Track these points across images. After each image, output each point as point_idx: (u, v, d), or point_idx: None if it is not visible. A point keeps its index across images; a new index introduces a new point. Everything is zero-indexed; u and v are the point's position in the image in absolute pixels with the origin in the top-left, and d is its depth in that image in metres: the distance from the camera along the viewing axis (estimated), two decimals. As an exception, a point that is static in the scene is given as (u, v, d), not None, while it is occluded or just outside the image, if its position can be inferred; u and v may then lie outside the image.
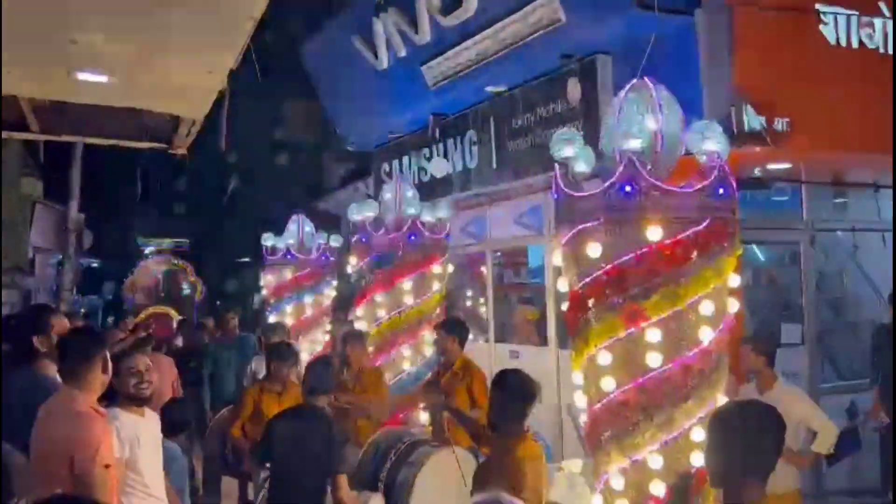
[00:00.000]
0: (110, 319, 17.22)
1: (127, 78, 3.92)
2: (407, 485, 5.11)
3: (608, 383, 3.79)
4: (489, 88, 8.67)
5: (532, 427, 3.89)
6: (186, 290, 14.28)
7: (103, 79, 3.86)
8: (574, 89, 7.41)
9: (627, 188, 3.71)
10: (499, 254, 10.09)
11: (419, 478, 5.10)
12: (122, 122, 4.87)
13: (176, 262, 15.03)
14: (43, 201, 13.16)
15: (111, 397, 3.69)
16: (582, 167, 3.98)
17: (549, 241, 8.19)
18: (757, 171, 7.08)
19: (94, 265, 21.45)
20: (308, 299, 8.79)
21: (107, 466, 3.14)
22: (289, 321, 8.68)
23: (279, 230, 9.17)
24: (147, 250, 17.97)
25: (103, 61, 3.64)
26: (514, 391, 3.83)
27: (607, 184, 3.76)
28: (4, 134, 4.95)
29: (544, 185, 8.03)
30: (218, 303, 23.57)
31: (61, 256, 13.09)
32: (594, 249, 3.77)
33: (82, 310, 14.98)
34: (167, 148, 5.33)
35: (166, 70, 3.78)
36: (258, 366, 7.19)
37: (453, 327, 6.03)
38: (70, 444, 3.10)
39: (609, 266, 3.74)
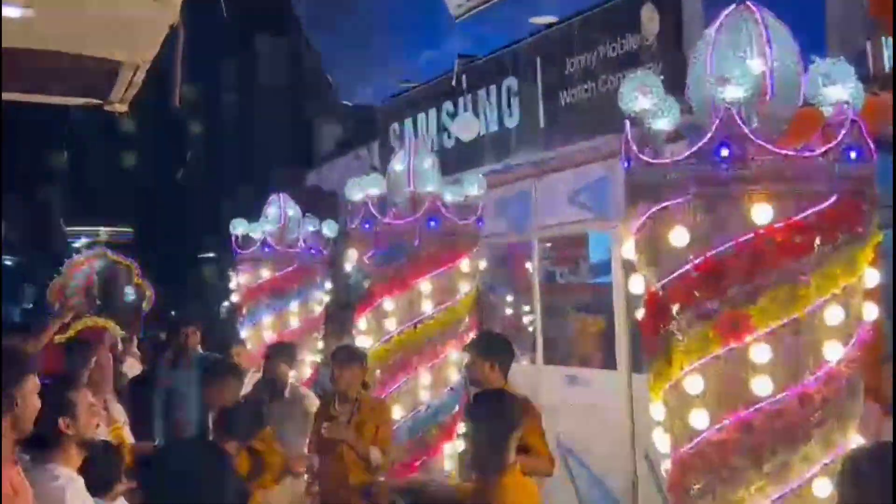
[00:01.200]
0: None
1: (47, 11, 3.95)
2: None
3: (700, 419, 3.79)
4: (535, 20, 8.63)
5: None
6: (130, 295, 14.37)
7: (16, 12, 3.89)
8: (650, 19, 7.37)
9: (724, 152, 3.70)
10: (548, 245, 10.07)
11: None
12: (45, 70, 4.91)
13: (116, 258, 15.13)
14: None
15: (37, 444, 3.71)
16: (662, 124, 3.96)
17: (617, 227, 8.15)
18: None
19: (8, 263, 21.76)
20: (293, 307, 8.85)
21: None
22: (267, 335, 8.75)
23: (253, 215, 9.23)
24: (77, 243, 18.22)
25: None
26: (493, 417, 4.10)
27: (697, 146, 3.74)
28: None
29: (611, 150, 7.97)
30: (172, 312, 23.83)
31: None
32: (680, 236, 3.76)
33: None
34: (102, 104, 5.36)
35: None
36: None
37: (491, 347, 5.96)
38: None
39: (700, 259, 3.73)
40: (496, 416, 4.13)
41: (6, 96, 5.32)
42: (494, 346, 5.96)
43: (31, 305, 21.31)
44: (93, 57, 4.76)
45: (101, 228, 17.05)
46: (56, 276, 15.05)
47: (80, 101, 5.36)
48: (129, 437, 5.92)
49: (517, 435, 4.13)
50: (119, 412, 6.13)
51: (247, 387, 7.71)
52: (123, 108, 5.43)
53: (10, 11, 3.89)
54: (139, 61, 4.76)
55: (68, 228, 18.93)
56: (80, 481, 3.73)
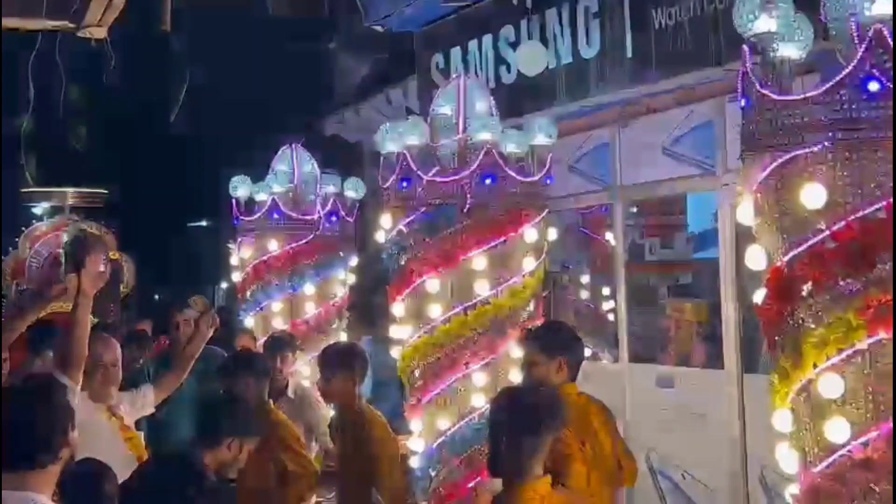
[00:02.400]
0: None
1: None
2: None
3: (839, 430, 3.78)
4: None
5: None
6: (105, 273, 14.55)
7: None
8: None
9: (873, 86, 3.67)
10: (635, 209, 10.09)
11: None
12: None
13: (87, 226, 15.28)
14: None
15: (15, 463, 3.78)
16: (791, 51, 3.95)
17: (728, 185, 8.11)
18: None
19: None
20: (309, 289, 8.94)
21: None
22: (277, 324, 8.81)
23: (259, 172, 9.28)
24: (38, 208, 18.38)
25: None
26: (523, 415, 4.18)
27: (837, 79, 3.72)
28: None
29: (718, 87, 7.95)
30: (157, 297, 24.01)
31: None
32: (814, 195, 3.76)
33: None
34: (76, 28, 5.39)
35: None
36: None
37: (558, 341, 5.95)
38: None
39: (840, 224, 3.73)
40: (523, 411, 4.18)
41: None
42: (561, 341, 5.95)
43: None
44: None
45: (69, 190, 17.11)
46: (11, 250, 15.26)
47: (50, 24, 5.40)
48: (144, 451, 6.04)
49: (548, 439, 4.15)
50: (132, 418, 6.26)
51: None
52: (101, 33, 5.46)
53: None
54: (119, -25, 4.77)
55: (26, 190, 19.00)
56: None
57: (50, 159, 17.99)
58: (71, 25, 5.35)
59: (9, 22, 5.39)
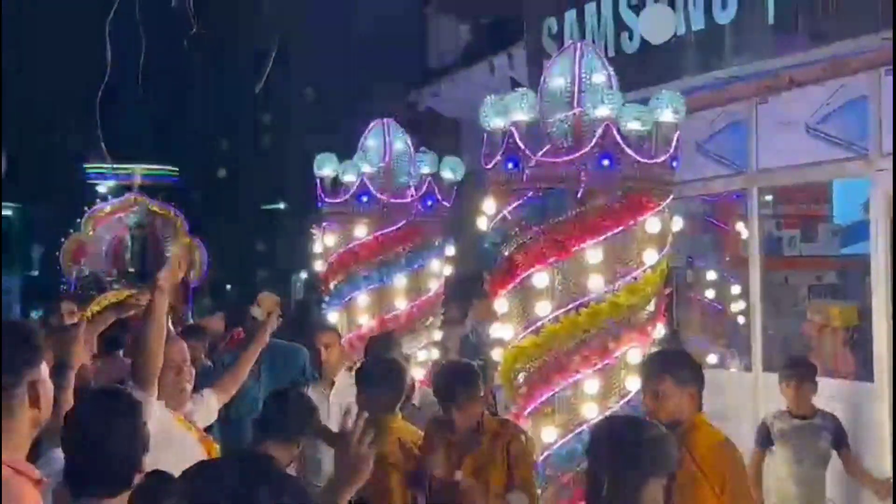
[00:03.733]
0: (34, 314, 17.88)
1: None
2: None
3: None
4: None
5: None
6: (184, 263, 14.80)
7: None
8: None
9: None
10: (772, 196, 10.07)
11: None
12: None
13: (156, 207, 15.54)
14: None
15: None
16: None
17: (879, 170, 8.11)
18: None
19: (8, 213, 22.54)
20: (400, 281, 8.98)
21: None
22: (364, 321, 8.85)
23: (346, 150, 9.34)
24: (103, 186, 18.72)
25: None
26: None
27: None
28: None
29: (873, 58, 7.90)
30: (228, 286, 24.28)
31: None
32: None
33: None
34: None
35: None
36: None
37: (689, 369, 5.88)
38: None
39: None
40: (626, 447, 4.11)
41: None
42: (692, 368, 5.91)
43: (36, 273, 22.08)
44: None
45: (137, 166, 17.35)
46: (73, 231, 15.56)
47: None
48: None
49: (657, 485, 4.08)
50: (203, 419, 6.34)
51: (342, 392, 7.89)
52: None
53: None
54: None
55: (90, 166, 19.37)
56: None
57: (117, 134, 18.33)
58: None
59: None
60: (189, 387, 5.80)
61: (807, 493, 7.73)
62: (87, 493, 3.68)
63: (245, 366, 6.83)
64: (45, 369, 3.60)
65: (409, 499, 6.48)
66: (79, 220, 15.31)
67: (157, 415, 5.31)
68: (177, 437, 5.59)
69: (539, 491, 6.58)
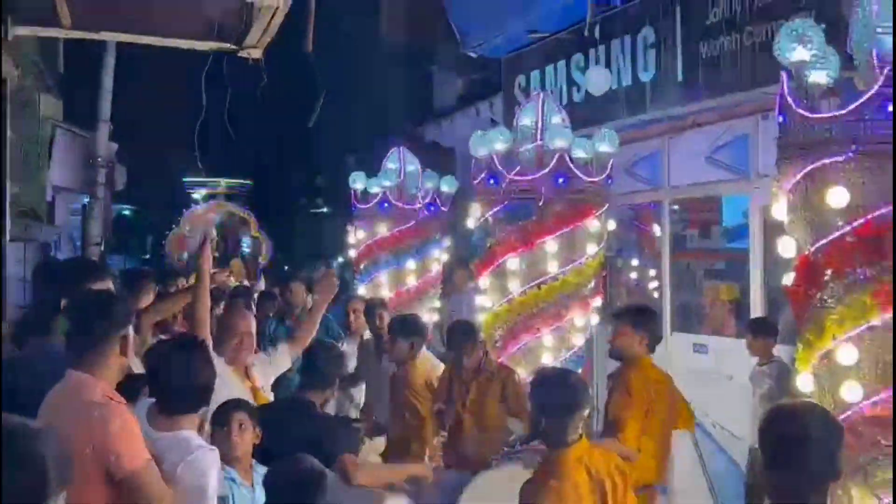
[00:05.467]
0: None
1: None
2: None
3: (852, 391, 3.73)
4: (673, -37, 8.48)
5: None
6: (247, 247, 14.72)
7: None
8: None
9: (890, 107, 3.59)
10: (678, 207, 9.95)
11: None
12: (176, 12, 4.98)
13: (234, 210, 15.49)
14: (64, 125, 13.62)
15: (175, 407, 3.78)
16: (820, 77, 3.86)
17: (756, 188, 8.02)
18: None
19: (127, 213, 22.50)
20: (411, 264, 8.94)
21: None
22: (385, 294, 8.85)
23: (373, 169, 9.31)
24: (196, 194, 18.70)
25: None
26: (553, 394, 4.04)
27: (861, 100, 3.65)
28: (27, 30, 5.17)
29: (754, 106, 7.83)
30: (286, 267, 24.26)
31: (88, 200, 13.71)
32: (838, 196, 3.70)
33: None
34: (237, 49, 5.42)
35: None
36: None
37: (644, 320, 5.71)
38: (97, 445, 3.25)
39: (860, 221, 3.68)
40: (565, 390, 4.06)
41: (143, 41, 5.44)
42: (647, 320, 5.76)
43: (148, 256, 22.02)
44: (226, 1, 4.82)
45: (221, 180, 17.40)
46: (175, 227, 15.51)
47: (214, 45, 5.42)
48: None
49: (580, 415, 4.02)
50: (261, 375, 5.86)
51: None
52: (258, 53, 5.47)
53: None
54: (278, 3, 4.76)
55: (188, 180, 19.42)
56: (215, 452, 3.74)
57: (208, 154, 18.27)
58: (233, 47, 5.36)
59: (182, 43, 5.43)
60: (246, 353, 5.33)
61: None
62: (170, 410, 3.64)
63: (311, 324, 6.55)
64: (130, 329, 3.60)
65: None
66: (179, 218, 15.25)
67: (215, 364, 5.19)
68: (228, 382, 5.43)
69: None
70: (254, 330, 5.45)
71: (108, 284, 4.35)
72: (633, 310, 6.00)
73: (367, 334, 8.01)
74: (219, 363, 4.99)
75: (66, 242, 14.60)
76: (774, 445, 2.88)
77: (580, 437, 3.96)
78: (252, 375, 5.52)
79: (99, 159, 12.73)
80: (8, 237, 7.29)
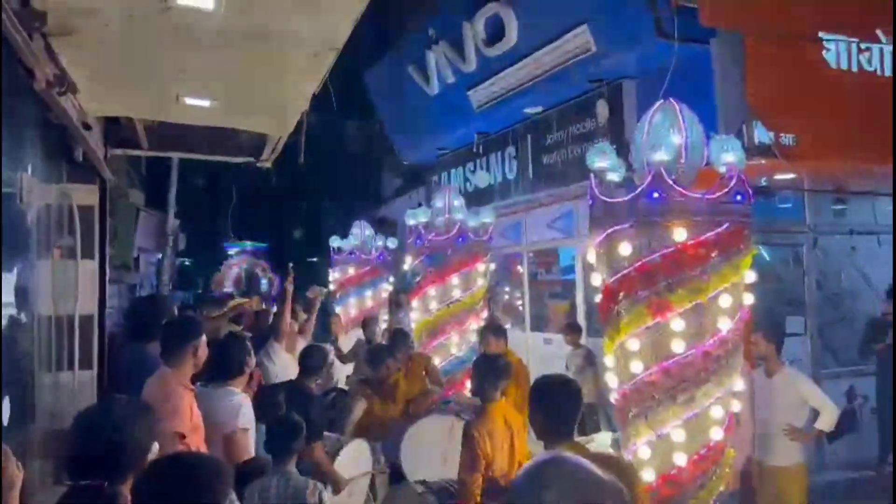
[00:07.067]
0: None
1: (226, 102, 3.98)
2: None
3: (637, 366, 3.73)
4: (527, 110, 8.61)
5: None
6: (265, 285, 14.46)
7: (206, 103, 3.93)
8: (602, 110, 7.33)
9: (655, 195, 3.64)
10: (532, 254, 10.05)
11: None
12: (217, 139, 4.95)
13: (255, 261, 15.23)
14: (145, 209, 13.43)
15: (222, 376, 3.70)
16: (613, 177, 3.91)
17: (579, 243, 8.15)
18: (764, 181, 6.92)
19: (187, 264, 21.84)
20: (368, 293, 8.85)
21: (181, 436, 3.15)
22: (352, 312, 8.76)
23: (344, 234, 9.25)
24: (231, 251, 18.24)
25: (207, 88, 3.70)
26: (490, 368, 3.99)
27: (637, 191, 3.69)
28: (119, 151, 5.06)
29: (575, 193, 7.99)
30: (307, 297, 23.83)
31: (160, 256, 13.38)
32: (625, 249, 3.72)
33: (177, 303, 15.26)
34: (255, 161, 5.39)
35: (260, 96, 3.83)
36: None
37: (499, 330, 5.80)
38: (158, 415, 3.15)
39: (638, 263, 3.68)
40: (493, 367, 4.03)
41: (195, 157, 5.37)
42: (502, 331, 5.83)
43: (200, 291, 21.33)
44: (250, 131, 4.80)
45: (247, 243, 17.07)
46: (217, 272, 15.18)
47: (241, 159, 5.38)
48: None
49: (504, 382, 4.00)
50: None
51: (344, 345, 7.71)
52: (268, 164, 5.44)
53: (201, 102, 3.93)
54: (281, 134, 4.77)
55: (226, 242, 18.99)
56: (249, 401, 3.70)
57: (238, 226, 17.91)
58: (251, 160, 5.32)
59: (221, 157, 5.36)
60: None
61: None
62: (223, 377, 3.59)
63: (310, 322, 6.30)
64: (203, 338, 3.54)
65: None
66: (220, 266, 14.93)
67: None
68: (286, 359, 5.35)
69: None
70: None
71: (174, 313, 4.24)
72: (492, 326, 6.05)
73: (342, 338, 7.88)
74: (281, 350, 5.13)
75: (147, 285, 14.19)
76: (535, 398, 3.08)
77: (501, 397, 3.96)
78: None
79: (168, 231, 12.44)
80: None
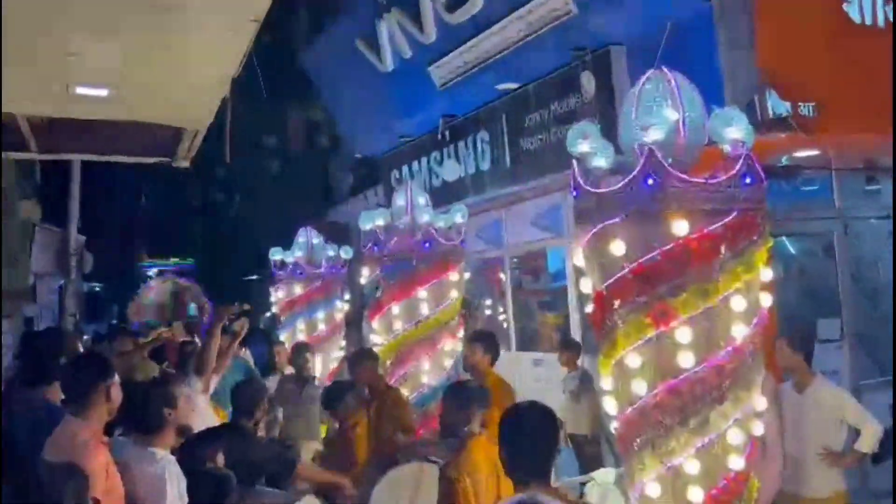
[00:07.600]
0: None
1: (127, 90, 3.96)
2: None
3: (639, 387, 3.72)
4: (500, 86, 8.67)
5: None
6: (193, 311, 14.34)
7: (103, 92, 3.90)
8: (588, 83, 7.39)
9: (650, 182, 3.63)
10: (516, 259, 10.09)
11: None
12: (123, 137, 4.92)
13: (181, 282, 15.10)
14: (42, 225, 13.21)
15: (142, 429, 3.65)
16: (600, 162, 3.90)
17: (570, 243, 8.19)
18: (784, 160, 7.05)
19: (97, 289, 21.56)
20: (320, 314, 8.76)
21: (96, 502, 3.12)
22: (301, 338, 8.70)
23: (287, 244, 9.19)
24: (151, 272, 18.11)
25: (102, 74, 3.67)
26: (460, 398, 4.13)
27: (628, 178, 3.68)
28: (4, 155, 5.01)
29: (562, 184, 8.01)
30: (226, 322, 23.66)
31: (63, 281, 13.18)
32: (617, 247, 3.72)
33: (86, 336, 15.06)
34: (170, 161, 5.37)
35: (167, 80, 3.81)
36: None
37: (486, 343, 5.88)
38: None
39: (634, 264, 3.68)
40: (465, 395, 4.20)
41: (97, 158, 5.34)
42: (491, 345, 5.93)
43: (115, 321, 21.10)
44: (162, 126, 4.77)
45: (171, 259, 16.95)
46: (134, 298, 15.02)
47: (153, 159, 5.36)
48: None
49: (479, 412, 4.14)
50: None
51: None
52: (186, 164, 5.42)
53: (97, 92, 3.90)
54: (198, 127, 4.76)
55: (143, 261, 18.81)
56: (175, 463, 3.61)
57: (157, 240, 17.76)
58: (166, 160, 5.30)
59: (129, 159, 5.34)
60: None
61: (565, 416, 7.45)
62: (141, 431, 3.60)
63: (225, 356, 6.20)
64: (116, 378, 3.50)
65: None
66: (138, 291, 14.79)
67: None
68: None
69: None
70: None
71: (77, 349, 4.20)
72: (479, 333, 6.11)
73: (288, 370, 7.84)
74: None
75: (47, 317, 13.97)
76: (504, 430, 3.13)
77: (481, 430, 4.04)
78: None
79: (71, 250, 12.27)
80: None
